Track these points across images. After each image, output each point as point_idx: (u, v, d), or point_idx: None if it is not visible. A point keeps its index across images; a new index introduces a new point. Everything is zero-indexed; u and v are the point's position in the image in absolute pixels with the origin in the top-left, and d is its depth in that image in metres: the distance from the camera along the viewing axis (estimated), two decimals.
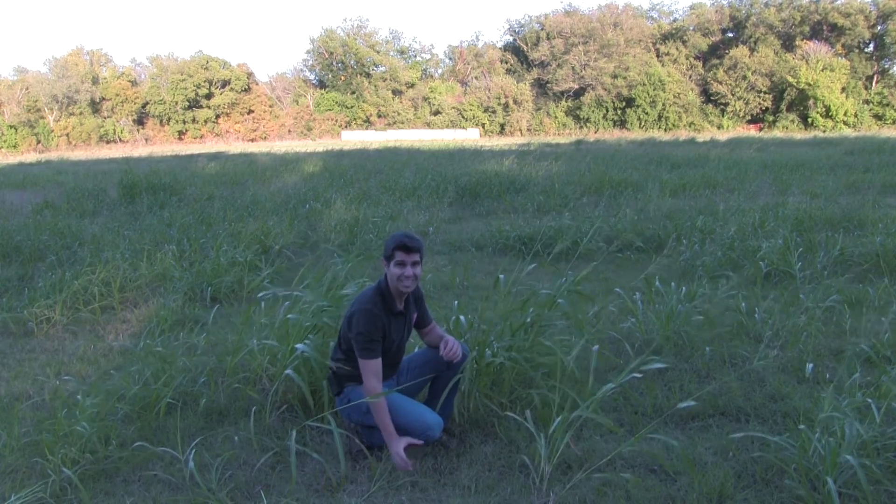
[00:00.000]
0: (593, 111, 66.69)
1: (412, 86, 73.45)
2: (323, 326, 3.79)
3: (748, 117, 64.54)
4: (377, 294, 3.13)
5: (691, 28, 69.08)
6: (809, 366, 3.79)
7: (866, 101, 61.79)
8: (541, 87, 70.18)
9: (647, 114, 64.83)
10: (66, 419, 3.19)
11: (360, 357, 3.07)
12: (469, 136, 62.32)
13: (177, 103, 71.33)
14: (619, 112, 66.65)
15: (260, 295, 3.93)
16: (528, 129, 67.75)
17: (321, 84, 75.22)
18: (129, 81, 73.30)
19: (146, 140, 70.84)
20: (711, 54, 68.10)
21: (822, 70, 58.88)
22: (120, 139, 70.73)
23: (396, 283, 3.09)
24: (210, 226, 8.99)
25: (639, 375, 3.25)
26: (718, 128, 62.43)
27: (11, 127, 69.00)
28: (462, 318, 3.88)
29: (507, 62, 72.69)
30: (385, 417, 3.03)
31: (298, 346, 3.33)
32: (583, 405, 3.03)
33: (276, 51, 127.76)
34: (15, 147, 65.89)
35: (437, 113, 70.22)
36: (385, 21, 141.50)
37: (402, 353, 3.34)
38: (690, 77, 67.00)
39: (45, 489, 2.88)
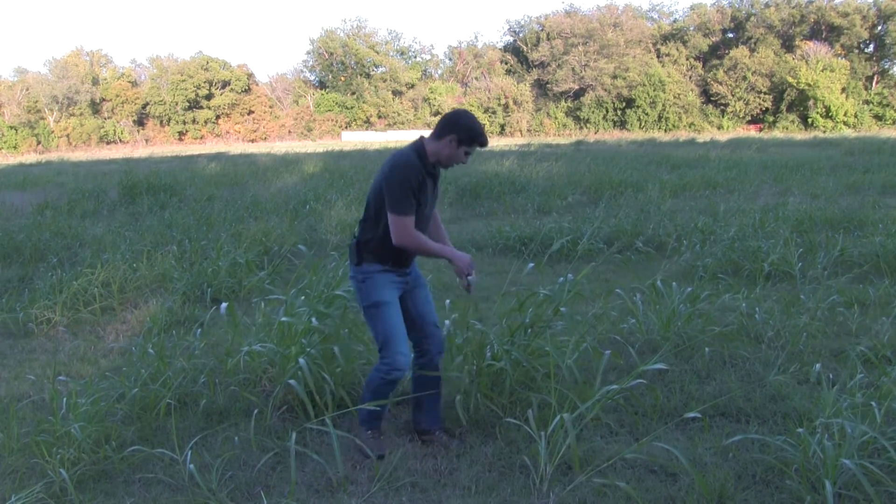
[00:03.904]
0: (593, 112, 66.68)
1: (412, 86, 73.48)
2: (318, 328, 3.78)
3: (748, 118, 64.53)
4: (414, 152, 3.12)
5: (691, 28, 69.09)
6: (817, 366, 3.78)
7: (866, 102, 61.79)
8: (541, 87, 70.17)
9: (647, 114, 64.82)
10: (63, 421, 3.18)
11: (393, 212, 3.01)
12: None
13: (177, 104, 71.35)
14: (619, 113, 66.64)
15: (254, 300, 3.91)
16: (529, 130, 67.72)
17: (321, 85, 75.25)
18: (130, 82, 73.32)
19: (146, 141, 70.86)
20: (711, 55, 68.12)
21: (822, 70, 58.89)
22: (120, 140, 70.75)
23: (449, 160, 3.13)
24: (211, 227, 8.98)
25: (643, 381, 3.26)
26: (718, 128, 62.41)
27: (12, 128, 69.02)
28: (447, 321, 3.87)
29: (506, 63, 72.71)
30: (434, 248, 3.11)
31: (301, 360, 3.32)
32: (582, 407, 3.03)
33: (276, 52, 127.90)
34: (15, 148, 65.88)
35: (437, 114, 70.17)
36: (384, 22, 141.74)
37: (428, 226, 3.28)
38: (690, 78, 67.00)
39: (45, 490, 2.88)
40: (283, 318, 3.74)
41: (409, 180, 3.02)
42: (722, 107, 65.28)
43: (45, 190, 17.05)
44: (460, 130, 3.06)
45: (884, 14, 61.21)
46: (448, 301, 4.07)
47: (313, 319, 3.76)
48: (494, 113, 68.46)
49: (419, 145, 3.13)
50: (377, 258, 3.13)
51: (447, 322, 3.94)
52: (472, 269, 3.14)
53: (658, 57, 68.25)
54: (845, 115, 59.03)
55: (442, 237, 3.39)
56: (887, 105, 61.27)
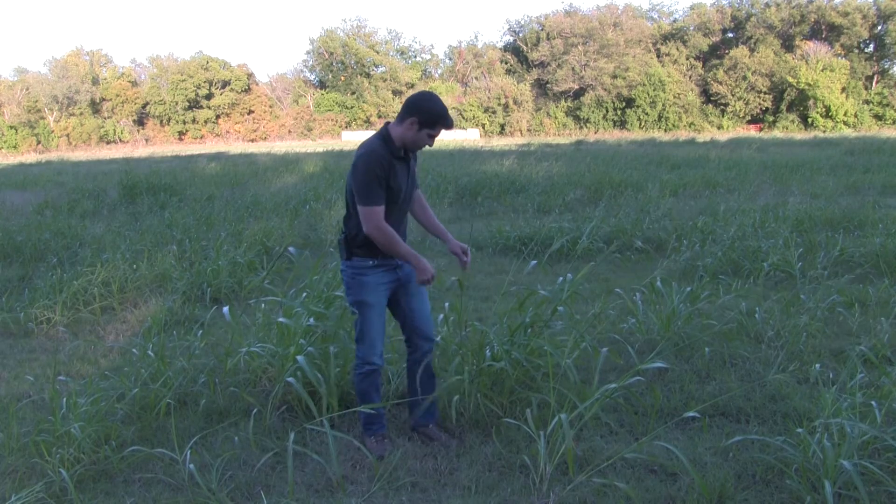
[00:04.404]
0: (593, 111, 66.66)
1: (412, 86, 73.40)
2: (316, 329, 3.78)
3: (748, 118, 64.50)
4: (380, 139, 3.08)
5: (691, 28, 69.07)
6: (817, 366, 3.79)
7: (866, 102, 61.76)
8: (541, 87, 70.14)
9: (647, 114, 64.79)
10: (63, 420, 3.19)
11: (361, 203, 2.98)
12: (469, 137, 62.24)
13: (177, 104, 71.33)
14: (619, 112, 66.61)
15: (252, 301, 3.91)
16: (528, 130, 67.68)
17: (321, 84, 75.22)
18: (130, 82, 73.30)
19: (146, 140, 70.85)
20: (711, 54, 68.09)
21: (822, 70, 58.86)
22: (120, 140, 70.73)
23: (414, 144, 3.09)
24: (211, 226, 8.99)
25: (641, 379, 3.26)
26: (718, 128, 62.39)
27: (12, 127, 68.99)
28: (441, 317, 3.86)
29: (506, 62, 72.68)
30: (402, 248, 3.06)
31: (299, 357, 3.33)
32: (581, 406, 3.03)
33: (277, 51, 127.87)
34: (15, 148, 65.87)
35: None
36: (384, 21, 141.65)
37: (406, 210, 3.27)
38: (690, 77, 66.96)
39: (45, 490, 2.88)
40: (281, 320, 3.74)
41: (373, 170, 2.98)
42: (722, 107, 65.24)
43: (45, 190, 17.05)
44: (420, 113, 3.01)
45: (883, 14, 61.19)
46: (447, 303, 4.06)
47: (310, 320, 3.76)
48: (494, 113, 68.42)
49: (385, 131, 3.10)
50: (366, 252, 3.13)
51: (440, 316, 3.93)
52: (433, 279, 3.12)
53: (658, 57, 68.21)
54: (845, 114, 58.99)
55: (429, 218, 3.41)
56: (887, 105, 61.23)
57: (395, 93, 72.66)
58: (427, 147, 3.15)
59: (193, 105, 72.11)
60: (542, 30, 71.01)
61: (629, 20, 68.97)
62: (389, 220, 3.07)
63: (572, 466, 2.89)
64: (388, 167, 3.02)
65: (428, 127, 3.03)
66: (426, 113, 3.01)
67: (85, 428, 3.14)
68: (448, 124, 3.06)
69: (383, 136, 3.08)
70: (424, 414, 3.39)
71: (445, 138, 58.82)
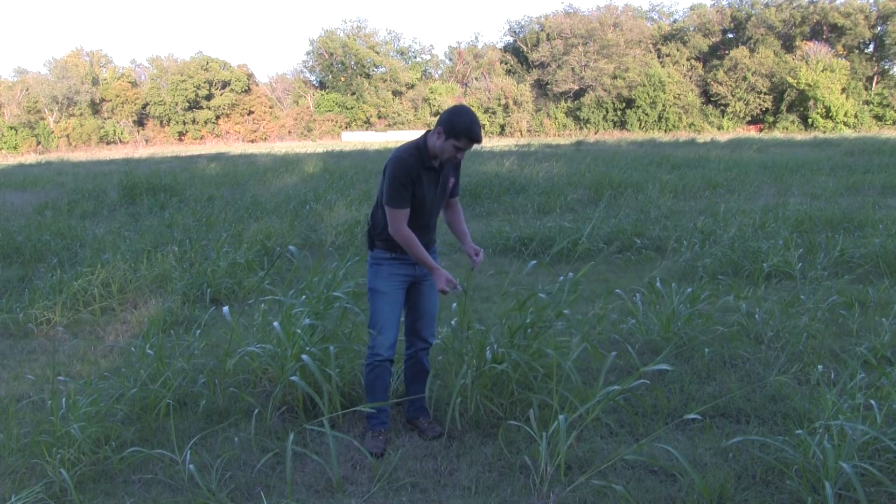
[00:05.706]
0: (593, 112, 66.67)
1: (412, 87, 73.46)
2: (317, 329, 3.78)
3: (748, 118, 64.53)
4: (414, 147, 3.19)
5: (691, 29, 69.10)
6: (819, 367, 3.78)
7: (866, 102, 61.79)
8: (541, 88, 70.16)
9: (647, 115, 64.82)
10: (63, 421, 3.18)
11: (387, 205, 3.15)
12: None
13: (177, 104, 71.34)
14: (619, 113, 66.64)
15: (250, 301, 3.90)
16: (529, 131, 67.72)
17: (321, 85, 75.23)
18: (129, 82, 73.31)
19: (146, 141, 70.84)
20: (712, 55, 68.13)
21: (822, 71, 58.89)
22: (120, 140, 70.73)
23: (441, 153, 3.16)
24: (211, 227, 8.98)
25: (646, 381, 3.26)
26: (719, 129, 62.41)
27: (11, 128, 68.99)
28: (453, 322, 3.87)
29: (506, 63, 72.71)
30: (420, 253, 3.17)
31: (304, 357, 3.34)
32: (582, 408, 3.03)
33: (276, 52, 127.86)
34: (15, 148, 65.83)
35: (437, 114, 70.16)
36: (384, 22, 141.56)
37: (434, 216, 3.38)
38: (690, 78, 67.00)
39: (45, 490, 2.88)
40: (275, 325, 3.73)
41: (399, 177, 3.11)
42: (722, 107, 65.27)
43: (45, 190, 17.05)
44: (446, 123, 3.11)
45: (883, 14, 61.21)
46: (454, 305, 4.06)
47: (307, 320, 3.76)
48: (494, 113, 68.43)
49: (422, 139, 3.22)
50: (386, 245, 3.28)
51: (452, 323, 3.93)
52: (453, 285, 3.20)
53: (658, 57, 68.24)
54: (845, 115, 59.02)
55: (457, 221, 3.51)
56: (887, 105, 61.26)
57: (395, 93, 72.66)
58: (453, 159, 3.20)
59: (193, 105, 72.12)
60: (542, 30, 71.04)
61: (629, 21, 69.01)
62: (413, 223, 3.19)
63: (563, 469, 2.89)
64: (415, 176, 3.15)
65: (453, 138, 3.11)
66: (451, 124, 3.10)
67: (85, 428, 3.14)
68: (473, 137, 3.12)
69: (419, 143, 3.20)
70: (415, 408, 3.50)
71: None
